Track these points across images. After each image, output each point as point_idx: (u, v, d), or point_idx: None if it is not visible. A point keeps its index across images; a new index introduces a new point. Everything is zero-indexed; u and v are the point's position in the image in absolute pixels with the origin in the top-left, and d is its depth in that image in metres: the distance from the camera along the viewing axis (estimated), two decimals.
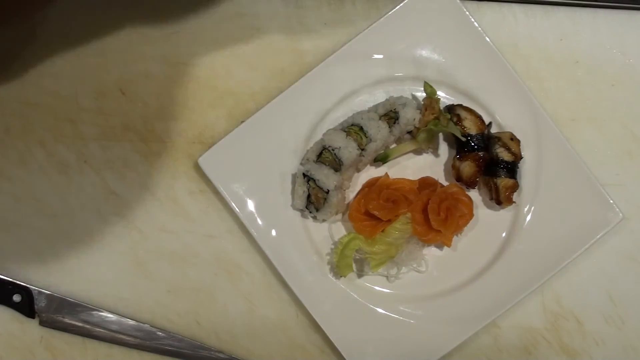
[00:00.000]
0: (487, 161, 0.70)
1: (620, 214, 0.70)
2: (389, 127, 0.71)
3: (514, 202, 0.71)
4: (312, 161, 0.71)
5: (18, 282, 0.74)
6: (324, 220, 0.72)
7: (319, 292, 0.72)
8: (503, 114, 0.72)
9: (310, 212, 0.71)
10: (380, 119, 0.71)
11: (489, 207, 0.73)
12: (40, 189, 0.75)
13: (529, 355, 0.73)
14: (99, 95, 0.75)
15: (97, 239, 0.75)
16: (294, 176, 0.72)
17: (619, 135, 0.74)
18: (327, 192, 0.70)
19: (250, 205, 0.72)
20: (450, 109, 0.71)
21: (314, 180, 0.70)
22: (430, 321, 0.71)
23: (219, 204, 0.74)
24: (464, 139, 0.70)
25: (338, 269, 0.71)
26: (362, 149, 0.70)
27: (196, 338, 0.74)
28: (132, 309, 0.75)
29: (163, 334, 0.74)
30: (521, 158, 0.71)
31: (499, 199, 0.70)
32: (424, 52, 0.72)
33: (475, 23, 0.71)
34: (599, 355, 0.73)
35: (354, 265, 0.72)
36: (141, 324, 0.74)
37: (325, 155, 0.70)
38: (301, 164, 0.72)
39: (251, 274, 0.74)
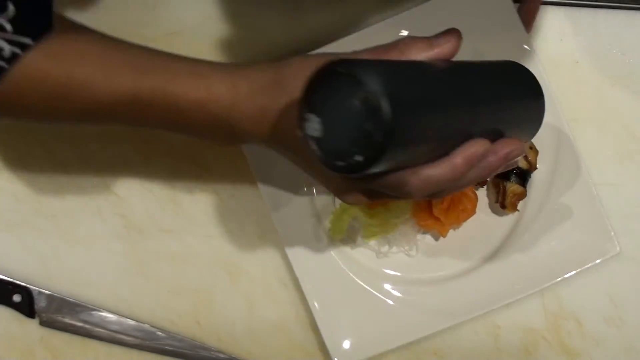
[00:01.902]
0: None
1: (618, 248, 0.70)
2: None
3: (518, 210, 0.71)
4: None
5: (18, 282, 0.74)
6: None
7: (307, 252, 0.71)
8: None
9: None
10: None
11: (492, 209, 0.73)
12: (40, 189, 0.75)
13: (529, 355, 0.73)
14: None
15: (97, 239, 0.75)
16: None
17: (619, 135, 0.73)
18: None
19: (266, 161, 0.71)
20: None
21: None
22: (408, 305, 0.71)
23: (219, 204, 0.74)
24: None
25: (331, 231, 0.71)
26: None
27: (196, 338, 0.74)
28: (132, 309, 0.75)
29: (163, 334, 0.74)
30: (535, 169, 0.70)
31: (504, 202, 0.70)
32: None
33: (520, 23, 0.70)
34: (599, 356, 0.73)
35: (347, 235, 0.71)
36: (141, 324, 0.74)
37: None
38: None
39: (251, 274, 0.74)
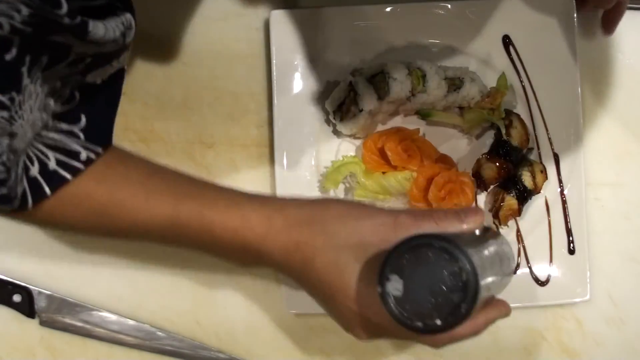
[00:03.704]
0: (509, 175, 0.70)
1: (588, 296, 0.70)
2: (447, 91, 0.70)
3: (507, 226, 0.71)
4: (364, 77, 0.70)
5: (18, 282, 0.74)
6: (339, 133, 0.73)
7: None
8: (546, 150, 0.72)
9: (334, 118, 0.72)
10: (445, 79, 0.70)
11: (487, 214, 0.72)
12: None
13: (529, 355, 0.73)
14: None
15: (97, 239, 0.75)
16: (341, 81, 0.72)
17: (619, 135, 0.73)
18: (361, 110, 0.70)
19: (290, 79, 0.72)
20: (507, 112, 0.71)
21: (356, 94, 0.70)
22: None
23: None
24: (504, 138, 0.70)
25: (326, 180, 0.71)
26: (412, 94, 0.70)
27: (196, 338, 0.74)
28: (132, 309, 0.75)
29: (163, 334, 0.74)
30: (538, 192, 0.71)
31: (498, 214, 0.70)
32: (517, 43, 0.72)
33: (576, 45, 0.71)
34: (599, 356, 0.73)
35: (340, 188, 0.72)
36: (141, 324, 0.74)
37: (378, 79, 0.70)
38: (351, 73, 0.71)
39: (251, 274, 0.74)
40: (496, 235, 0.60)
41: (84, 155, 0.53)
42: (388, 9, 0.72)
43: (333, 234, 0.54)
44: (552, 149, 0.72)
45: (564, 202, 0.71)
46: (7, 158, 0.48)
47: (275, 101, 0.72)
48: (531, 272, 0.71)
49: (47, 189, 0.52)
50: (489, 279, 0.52)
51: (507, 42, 0.72)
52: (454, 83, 0.71)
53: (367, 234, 0.54)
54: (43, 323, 0.74)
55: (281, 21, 0.72)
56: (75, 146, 0.53)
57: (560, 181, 0.71)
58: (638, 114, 0.74)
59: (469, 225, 0.55)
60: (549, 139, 0.72)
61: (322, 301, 0.57)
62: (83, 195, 0.54)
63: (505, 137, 0.70)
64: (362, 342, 0.58)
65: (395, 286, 0.49)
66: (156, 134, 0.75)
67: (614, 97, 0.74)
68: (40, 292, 0.74)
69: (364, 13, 0.73)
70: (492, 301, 0.57)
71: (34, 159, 0.51)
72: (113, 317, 0.74)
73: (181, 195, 0.56)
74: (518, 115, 0.71)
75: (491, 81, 0.72)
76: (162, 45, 0.75)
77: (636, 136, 0.74)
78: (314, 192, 0.73)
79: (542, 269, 0.71)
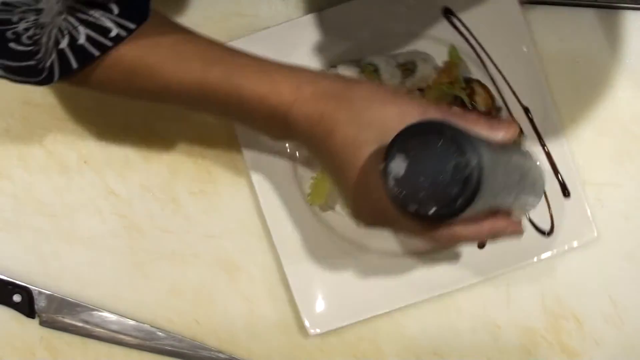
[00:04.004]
0: None
1: (595, 233, 0.70)
2: (403, 77, 0.70)
3: None
4: None
5: (18, 282, 0.74)
6: None
7: (286, 217, 0.72)
8: (514, 104, 0.72)
9: None
10: (397, 66, 0.70)
11: None
12: (40, 189, 0.75)
13: (529, 355, 0.73)
14: (99, 95, 0.75)
15: (97, 239, 0.75)
16: None
17: (618, 135, 0.73)
18: None
19: None
20: (467, 81, 0.71)
21: None
22: (387, 276, 0.71)
23: (219, 204, 0.74)
24: (469, 107, 0.70)
25: (311, 196, 0.71)
26: None
27: (196, 338, 0.74)
28: (132, 309, 0.75)
29: (163, 334, 0.74)
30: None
31: None
32: (459, 12, 0.72)
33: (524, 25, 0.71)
34: (599, 356, 0.73)
35: (327, 203, 0.72)
36: (141, 324, 0.74)
37: None
38: None
39: (251, 274, 0.74)
40: (526, 154, 0.59)
41: (114, 32, 0.54)
42: (323, 13, 0.72)
43: (358, 112, 0.54)
44: (520, 103, 0.71)
45: (545, 150, 0.71)
46: (33, 33, 0.51)
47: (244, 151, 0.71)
48: (534, 225, 0.71)
49: (74, 63, 0.55)
50: (499, 187, 0.51)
51: (448, 13, 0.72)
52: (407, 68, 0.70)
53: (391, 119, 0.53)
54: (43, 323, 0.74)
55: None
56: (107, 22, 0.54)
57: (536, 131, 0.71)
58: (638, 113, 0.74)
59: (499, 136, 0.54)
60: (514, 94, 0.71)
61: (334, 177, 0.57)
62: (115, 58, 0.56)
63: (470, 106, 0.69)
64: (363, 227, 0.58)
65: (398, 166, 0.48)
66: (156, 134, 0.75)
67: (614, 97, 0.74)
68: (40, 292, 0.74)
69: (306, 25, 0.72)
70: (504, 215, 0.56)
71: (65, 32, 0.54)
72: (113, 317, 0.74)
73: (211, 60, 0.57)
74: (478, 81, 0.71)
75: (444, 56, 0.72)
76: None
77: (636, 136, 0.74)
78: (299, 209, 0.72)
79: (544, 221, 0.71)
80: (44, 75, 0.55)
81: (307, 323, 0.71)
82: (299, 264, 0.72)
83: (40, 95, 0.75)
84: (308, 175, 0.72)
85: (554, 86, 0.73)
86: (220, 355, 0.74)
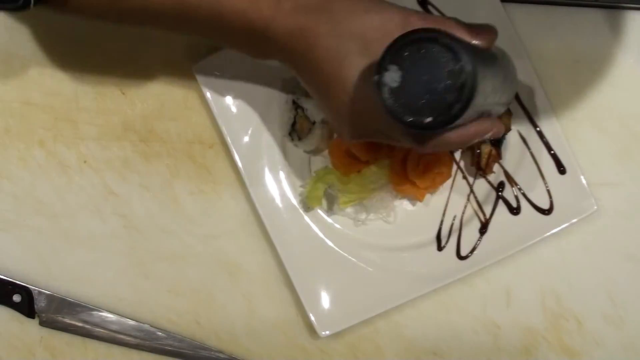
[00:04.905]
0: None
1: (595, 207, 0.70)
2: None
3: (494, 172, 0.71)
4: (303, 91, 0.70)
5: (18, 282, 0.74)
6: (305, 151, 0.72)
7: (285, 222, 0.72)
8: None
9: (292, 140, 0.71)
10: None
11: (468, 172, 0.73)
12: (40, 189, 0.75)
13: (529, 355, 0.73)
14: (99, 95, 0.75)
15: (97, 239, 0.75)
16: (284, 102, 0.71)
17: (618, 135, 0.73)
18: (314, 123, 0.69)
19: (236, 121, 0.72)
20: None
21: (303, 109, 0.69)
22: (388, 272, 0.71)
23: (219, 204, 0.75)
24: None
25: (307, 200, 0.71)
26: None
27: (196, 338, 0.74)
28: (132, 309, 0.75)
29: (163, 334, 0.74)
30: (509, 130, 0.71)
31: (480, 164, 0.70)
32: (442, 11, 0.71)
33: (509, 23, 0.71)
34: (599, 355, 0.73)
35: (324, 202, 0.72)
36: (141, 324, 0.74)
37: None
38: (292, 91, 0.71)
39: (251, 274, 0.74)
40: (503, 52, 0.59)
41: None
42: None
43: (338, 23, 0.53)
44: None
45: (536, 129, 0.71)
46: None
47: (232, 150, 0.71)
48: (533, 205, 0.71)
49: None
50: (489, 90, 0.51)
51: (424, 2, 0.71)
52: None
53: (373, 28, 0.52)
54: (43, 323, 0.74)
55: (204, 71, 0.71)
56: None
57: (525, 110, 0.71)
58: (638, 113, 0.74)
59: (480, 41, 0.54)
60: None
61: (317, 92, 0.56)
62: None
63: None
64: (349, 140, 0.57)
65: (392, 77, 0.48)
66: (156, 134, 0.75)
67: (614, 97, 0.74)
68: (40, 292, 0.74)
69: None
70: (486, 115, 0.56)
71: None
72: (113, 317, 0.74)
73: None
74: None
75: None
76: (163, 45, 0.75)
77: (636, 136, 0.74)
78: (297, 211, 0.72)
79: (542, 200, 0.71)
80: (20, 2, 0.52)
81: (316, 325, 0.71)
82: (302, 265, 0.72)
83: (40, 95, 0.75)
84: (304, 177, 0.73)
85: (554, 86, 0.72)
86: (220, 355, 0.74)
